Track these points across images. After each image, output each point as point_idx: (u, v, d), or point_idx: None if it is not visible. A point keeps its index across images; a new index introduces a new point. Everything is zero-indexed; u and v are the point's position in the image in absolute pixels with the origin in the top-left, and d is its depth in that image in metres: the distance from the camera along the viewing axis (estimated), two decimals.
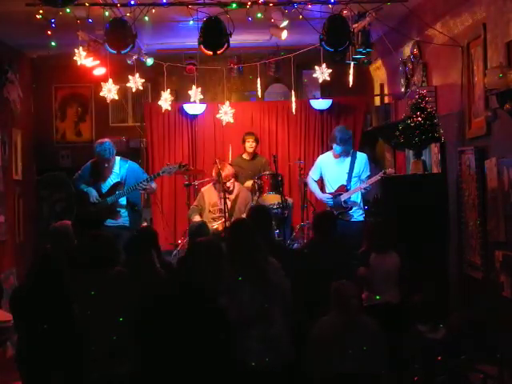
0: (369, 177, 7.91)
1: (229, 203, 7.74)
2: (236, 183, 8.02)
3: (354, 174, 7.94)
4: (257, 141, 9.19)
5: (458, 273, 6.45)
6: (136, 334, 4.87)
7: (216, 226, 7.75)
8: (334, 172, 8.03)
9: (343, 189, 7.92)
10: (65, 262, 5.52)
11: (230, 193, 7.83)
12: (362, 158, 8.06)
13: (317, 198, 8.27)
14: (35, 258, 5.45)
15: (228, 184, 7.77)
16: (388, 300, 5.90)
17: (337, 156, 8.04)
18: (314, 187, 8.23)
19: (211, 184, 7.99)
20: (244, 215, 7.52)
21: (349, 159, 7.98)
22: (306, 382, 5.06)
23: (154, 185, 7.66)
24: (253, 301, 4.83)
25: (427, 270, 6.22)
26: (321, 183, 8.30)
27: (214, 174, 7.84)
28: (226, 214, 7.50)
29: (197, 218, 7.83)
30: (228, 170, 7.78)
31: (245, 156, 9.20)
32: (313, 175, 8.25)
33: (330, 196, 7.94)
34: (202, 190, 8.06)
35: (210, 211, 7.90)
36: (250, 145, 9.13)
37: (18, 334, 5.27)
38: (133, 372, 4.83)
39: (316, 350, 4.94)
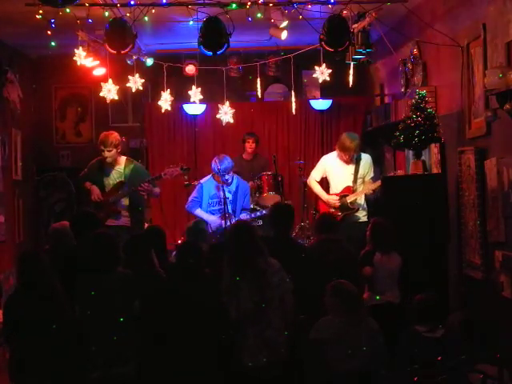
0: (373, 178, 7.90)
1: (230, 195, 7.78)
2: (234, 175, 8.01)
3: (359, 176, 7.92)
4: (257, 142, 9.19)
5: (457, 273, 6.45)
6: (136, 333, 4.88)
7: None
8: (340, 173, 7.99)
9: (349, 190, 7.89)
10: (63, 263, 5.53)
11: (229, 185, 7.85)
12: (366, 159, 8.04)
13: (321, 199, 8.11)
14: (18, 258, 5.41)
15: (226, 177, 7.78)
16: (389, 300, 5.91)
17: (341, 157, 7.98)
18: (317, 189, 8.11)
19: (210, 176, 7.99)
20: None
21: (354, 160, 7.96)
22: (306, 381, 5.07)
23: (157, 189, 7.61)
24: (249, 301, 4.84)
25: (427, 270, 6.22)
26: (322, 184, 8.23)
27: (214, 166, 7.81)
28: (225, 207, 7.51)
29: (198, 211, 7.86)
30: (226, 164, 7.77)
31: (244, 156, 9.21)
32: (315, 176, 8.17)
33: (337, 197, 7.92)
34: (202, 181, 8.04)
35: (208, 203, 7.91)
36: (249, 145, 9.14)
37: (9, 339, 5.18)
38: (133, 372, 4.84)
39: (316, 350, 4.95)
